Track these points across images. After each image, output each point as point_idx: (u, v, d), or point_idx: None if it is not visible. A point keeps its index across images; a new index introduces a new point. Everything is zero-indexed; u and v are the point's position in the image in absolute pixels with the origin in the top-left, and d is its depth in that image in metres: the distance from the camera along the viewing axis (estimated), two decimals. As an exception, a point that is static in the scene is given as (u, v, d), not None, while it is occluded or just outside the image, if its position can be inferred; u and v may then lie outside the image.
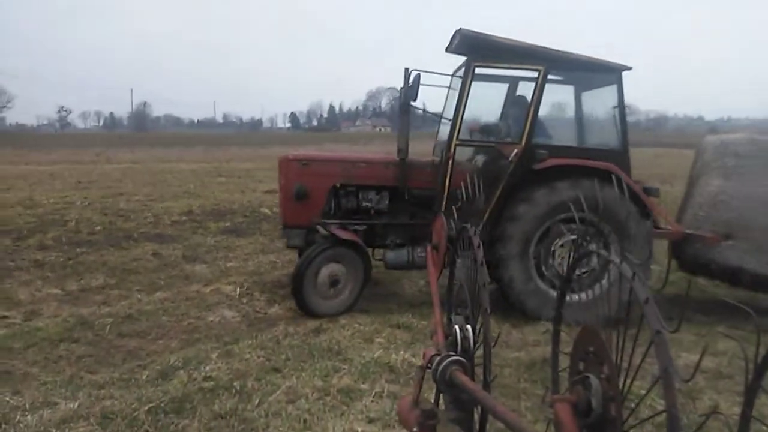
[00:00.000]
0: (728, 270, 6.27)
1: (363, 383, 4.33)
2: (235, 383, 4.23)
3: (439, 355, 2.41)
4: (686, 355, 5.03)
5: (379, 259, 6.66)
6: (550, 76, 6.35)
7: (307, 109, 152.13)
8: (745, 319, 5.73)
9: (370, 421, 3.78)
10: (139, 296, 6.67)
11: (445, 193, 6.35)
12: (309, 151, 7.44)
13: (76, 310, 6.10)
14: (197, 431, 3.65)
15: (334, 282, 6.07)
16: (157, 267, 8.13)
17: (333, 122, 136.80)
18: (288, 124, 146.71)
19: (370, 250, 6.46)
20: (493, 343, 2.43)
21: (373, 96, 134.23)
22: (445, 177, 6.32)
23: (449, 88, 7.15)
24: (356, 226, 6.52)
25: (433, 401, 2.59)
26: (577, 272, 6.03)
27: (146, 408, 3.80)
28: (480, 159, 6.70)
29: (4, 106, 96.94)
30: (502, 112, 7.57)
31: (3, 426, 3.63)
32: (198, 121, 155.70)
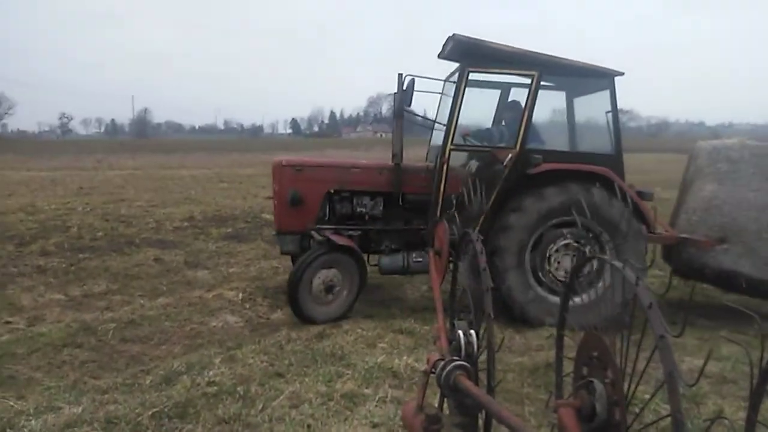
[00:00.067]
0: (722, 274, 6.28)
1: (366, 388, 4.33)
2: (238, 388, 4.23)
3: (443, 360, 2.41)
4: (690, 360, 5.04)
5: (374, 265, 6.64)
6: (543, 83, 6.37)
7: (308, 116, 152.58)
8: (748, 323, 5.74)
9: (374, 426, 3.78)
10: (141, 302, 6.67)
11: (440, 199, 6.36)
12: (303, 157, 7.42)
13: (79, 316, 6.11)
14: (201, 436, 3.66)
15: (329, 288, 6.05)
16: (160, 273, 8.14)
17: (334, 128, 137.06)
18: (289, 131, 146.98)
19: (365, 256, 6.45)
20: (496, 348, 2.44)
21: (373, 102, 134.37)
22: (440, 182, 6.33)
23: (442, 94, 7.15)
24: (351, 232, 6.50)
25: (437, 406, 2.60)
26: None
27: (150, 413, 3.81)
28: (474, 164, 6.71)
29: (6, 113, 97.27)
30: (495, 118, 7.60)
31: (8, 430, 3.64)
32: (199, 127, 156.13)
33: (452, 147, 6.29)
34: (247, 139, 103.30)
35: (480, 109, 7.47)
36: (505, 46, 6.17)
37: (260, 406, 3.99)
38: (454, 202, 6.29)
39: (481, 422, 2.45)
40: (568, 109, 7.23)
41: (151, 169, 29.80)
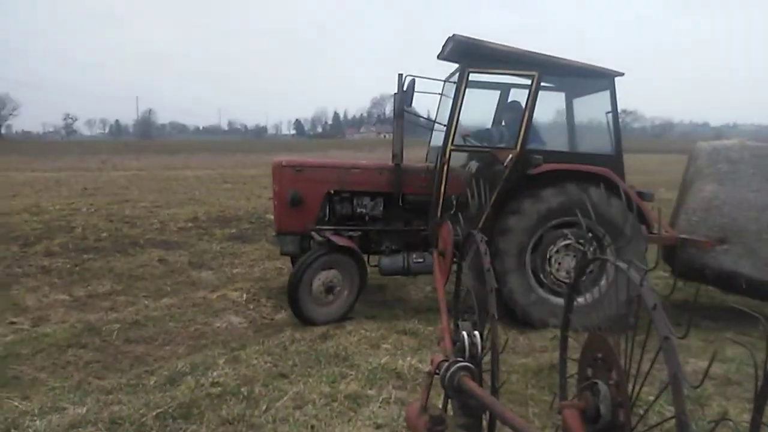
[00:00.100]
0: (723, 274, 6.27)
1: (370, 389, 4.33)
2: (242, 389, 4.24)
3: (447, 361, 2.41)
4: (695, 362, 5.02)
5: (375, 266, 6.63)
6: (542, 83, 6.37)
7: (312, 116, 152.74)
8: (753, 325, 5.73)
9: (378, 427, 3.78)
10: (145, 302, 6.69)
11: (441, 199, 6.36)
12: (303, 157, 7.41)
13: (84, 316, 6.13)
14: (205, 437, 3.66)
15: (329, 289, 6.05)
16: (164, 273, 8.16)
17: (337, 129, 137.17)
18: (293, 131, 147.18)
19: (365, 257, 6.44)
20: (500, 349, 2.44)
21: (377, 103, 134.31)
22: (441, 182, 6.33)
23: (441, 94, 7.14)
24: (351, 233, 6.48)
25: (441, 407, 2.60)
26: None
27: (154, 413, 3.81)
28: (475, 164, 6.71)
29: (10, 114, 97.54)
30: (495, 118, 7.60)
31: (12, 431, 3.65)
32: (203, 128, 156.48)
33: (453, 147, 6.29)
34: (250, 140, 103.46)
35: (480, 109, 7.48)
36: (505, 46, 6.17)
37: (264, 407, 3.99)
38: (455, 202, 6.29)
39: (485, 423, 2.45)
40: (567, 109, 7.24)
41: (155, 170, 29.86)
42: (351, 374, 4.58)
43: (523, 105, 6.32)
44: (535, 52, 6.20)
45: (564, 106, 7.24)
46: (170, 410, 3.88)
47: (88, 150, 52.81)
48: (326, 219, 6.73)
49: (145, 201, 15.52)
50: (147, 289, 7.31)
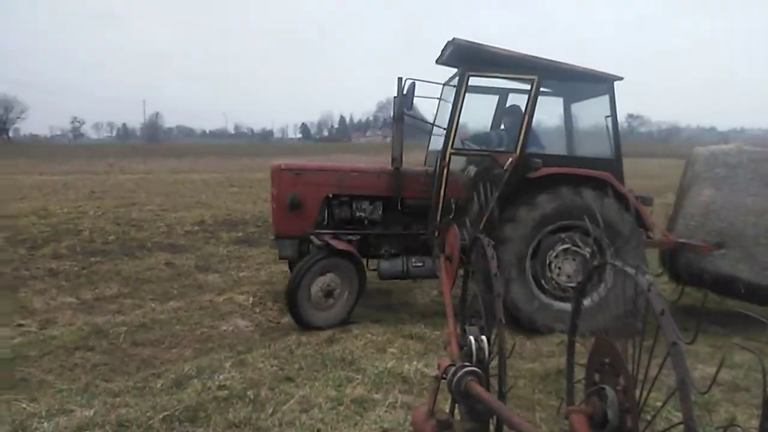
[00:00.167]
0: (721, 279, 6.26)
1: (376, 393, 4.33)
2: (248, 392, 4.24)
3: (454, 365, 2.42)
4: (702, 367, 5.01)
5: (374, 270, 6.60)
6: (541, 88, 6.37)
7: (318, 120, 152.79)
8: (761, 330, 5.71)
9: (384, 431, 3.78)
10: (152, 305, 6.71)
11: (440, 203, 6.35)
12: (302, 161, 7.43)
13: (91, 319, 6.15)
14: (211, 440, 3.67)
15: (329, 293, 6.03)
16: (171, 276, 8.18)
17: (344, 133, 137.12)
18: (299, 135, 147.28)
19: (364, 261, 6.41)
20: (507, 354, 2.44)
21: (383, 107, 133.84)
22: (440, 186, 6.33)
23: (440, 99, 7.13)
24: (350, 237, 6.47)
25: (448, 412, 2.60)
26: (575, 280, 6.02)
27: (161, 416, 3.82)
28: (474, 168, 6.71)
29: (18, 117, 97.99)
30: (494, 122, 7.61)
31: (20, 433, 3.67)
32: (210, 131, 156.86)
33: (453, 151, 6.29)
34: (257, 144, 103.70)
35: (478, 113, 7.49)
36: (506, 50, 6.18)
37: (270, 411, 3.99)
38: (454, 206, 6.29)
39: (492, 428, 2.45)
40: (565, 114, 7.26)
41: (162, 174, 29.98)
42: (357, 378, 4.58)
43: (523, 109, 6.33)
44: (535, 56, 6.22)
45: (562, 110, 7.25)
46: (177, 413, 3.89)
47: (96, 153, 53.09)
48: (325, 223, 6.70)
49: (152, 204, 15.56)
50: (154, 292, 7.34)
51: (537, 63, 6.21)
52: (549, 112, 7.23)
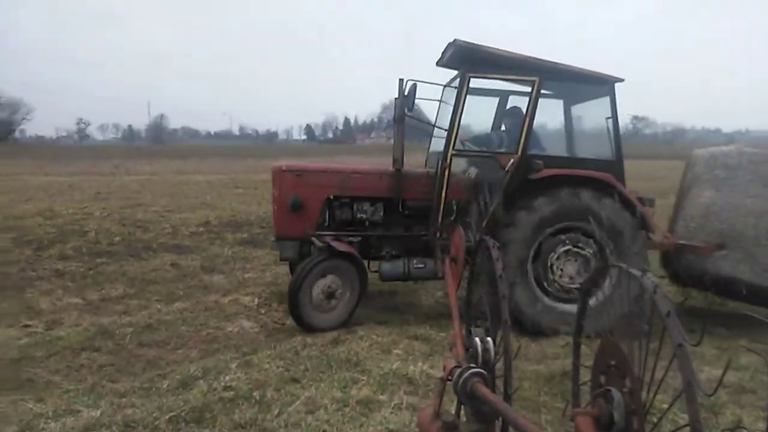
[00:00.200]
0: (721, 280, 6.26)
1: (382, 394, 4.33)
2: (254, 393, 4.25)
3: (460, 367, 2.42)
4: (708, 370, 4.99)
5: (375, 271, 6.59)
6: (543, 91, 6.37)
7: (323, 122, 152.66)
8: (767, 333, 5.70)
9: (389, 432, 3.78)
10: (158, 306, 6.73)
11: (442, 204, 6.35)
12: (303, 162, 7.38)
13: (97, 320, 6.16)
14: (217, 441, 3.68)
15: (330, 295, 6.02)
16: (176, 277, 8.20)
17: (348, 134, 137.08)
18: (303, 137, 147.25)
19: (365, 262, 6.40)
20: (513, 356, 2.44)
21: (387, 108, 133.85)
22: (442, 188, 6.32)
23: (440, 101, 7.11)
24: (351, 238, 6.45)
25: (454, 413, 2.60)
26: (579, 282, 6.05)
27: (167, 417, 3.83)
28: (475, 170, 6.70)
29: (24, 119, 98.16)
30: (494, 123, 7.61)
31: (27, 433, 3.68)
32: (214, 133, 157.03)
33: (454, 152, 6.29)
34: (262, 145, 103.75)
35: (478, 115, 7.49)
36: (507, 51, 6.18)
37: (276, 411, 4.00)
38: (455, 207, 6.29)
39: (497, 429, 2.46)
40: (566, 115, 7.27)
41: (167, 175, 30.06)
42: (362, 379, 4.58)
43: (524, 110, 6.33)
44: (536, 58, 6.22)
45: (563, 112, 7.25)
46: (183, 414, 3.90)
47: (101, 155, 53.23)
48: (326, 224, 6.68)
49: (157, 205, 15.61)
50: (159, 293, 7.35)
51: (538, 64, 6.21)
52: (549, 114, 7.24)
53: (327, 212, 6.69)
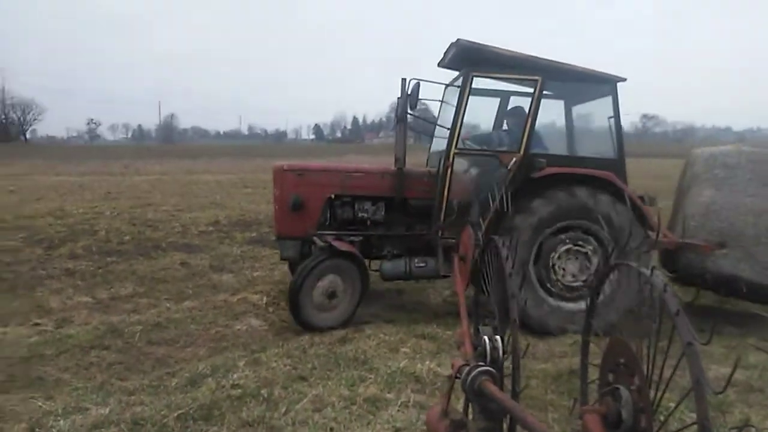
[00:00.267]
0: (722, 279, 6.23)
1: (389, 393, 4.33)
2: (262, 391, 4.26)
3: (468, 365, 2.42)
4: (717, 368, 4.97)
5: (376, 270, 6.58)
6: (545, 91, 6.36)
7: (331, 121, 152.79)
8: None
9: (397, 430, 3.78)
10: (167, 305, 6.75)
11: (444, 203, 6.34)
12: (304, 162, 7.38)
13: (107, 318, 6.20)
14: (225, 438, 3.69)
15: (331, 294, 6.01)
16: (185, 276, 8.23)
17: (357, 134, 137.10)
18: (312, 136, 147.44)
19: (366, 261, 6.39)
20: (521, 354, 2.44)
21: (396, 108, 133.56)
22: (444, 187, 6.31)
23: (442, 101, 7.11)
24: (352, 237, 6.43)
25: (462, 411, 2.60)
26: (582, 279, 6.04)
27: (175, 414, 3.85)
28: (478, 169, 6.68)
29: (35, 119, 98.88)
30: (496, 123, 7.59)
31: (36, 430, 3.70)
32: (224, 132, 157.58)
33: (456, 151, 6.27)
34: (270, 145, 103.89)
35: (480, 114, 7.48)
36: (509, 51, 6.17)
37: (284, 409, 4.01)
38: (457, 207, 6.28)
39: (505, 427, 2.45)
40: (567, 114, 7.26)
41: (177, 174, 30.20)
42: (370, 378, 4.58)
43: (526, 110, 6.31)
44: (538, 57, 6.21)
45: (569, 110, 7.25)
46: (191, 411, 3.91)
47: (112, 154, 53.53)
48: (327, 224, 6.67)
49: (167, 205, 15.68)
50: (169, 291, 7.38)
51: (540, 64, 6.20)
52: (552, 113, 7.22)
53: (328, 211, 6.69)
